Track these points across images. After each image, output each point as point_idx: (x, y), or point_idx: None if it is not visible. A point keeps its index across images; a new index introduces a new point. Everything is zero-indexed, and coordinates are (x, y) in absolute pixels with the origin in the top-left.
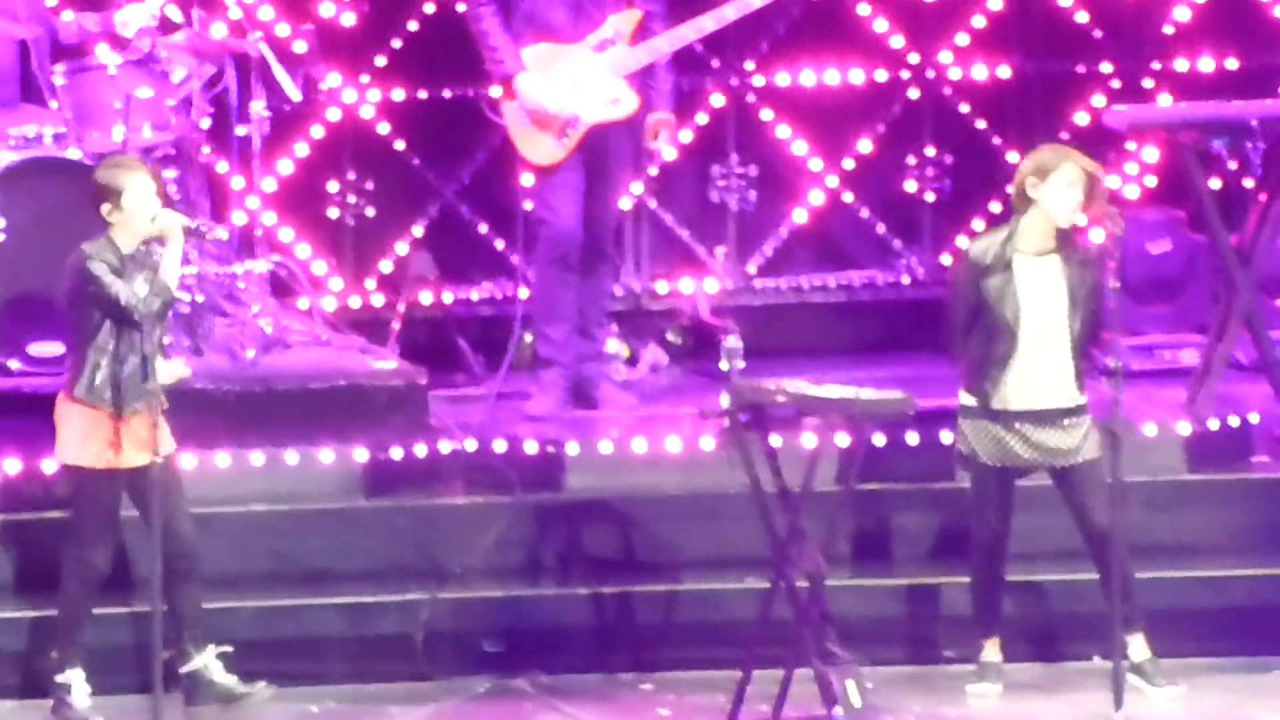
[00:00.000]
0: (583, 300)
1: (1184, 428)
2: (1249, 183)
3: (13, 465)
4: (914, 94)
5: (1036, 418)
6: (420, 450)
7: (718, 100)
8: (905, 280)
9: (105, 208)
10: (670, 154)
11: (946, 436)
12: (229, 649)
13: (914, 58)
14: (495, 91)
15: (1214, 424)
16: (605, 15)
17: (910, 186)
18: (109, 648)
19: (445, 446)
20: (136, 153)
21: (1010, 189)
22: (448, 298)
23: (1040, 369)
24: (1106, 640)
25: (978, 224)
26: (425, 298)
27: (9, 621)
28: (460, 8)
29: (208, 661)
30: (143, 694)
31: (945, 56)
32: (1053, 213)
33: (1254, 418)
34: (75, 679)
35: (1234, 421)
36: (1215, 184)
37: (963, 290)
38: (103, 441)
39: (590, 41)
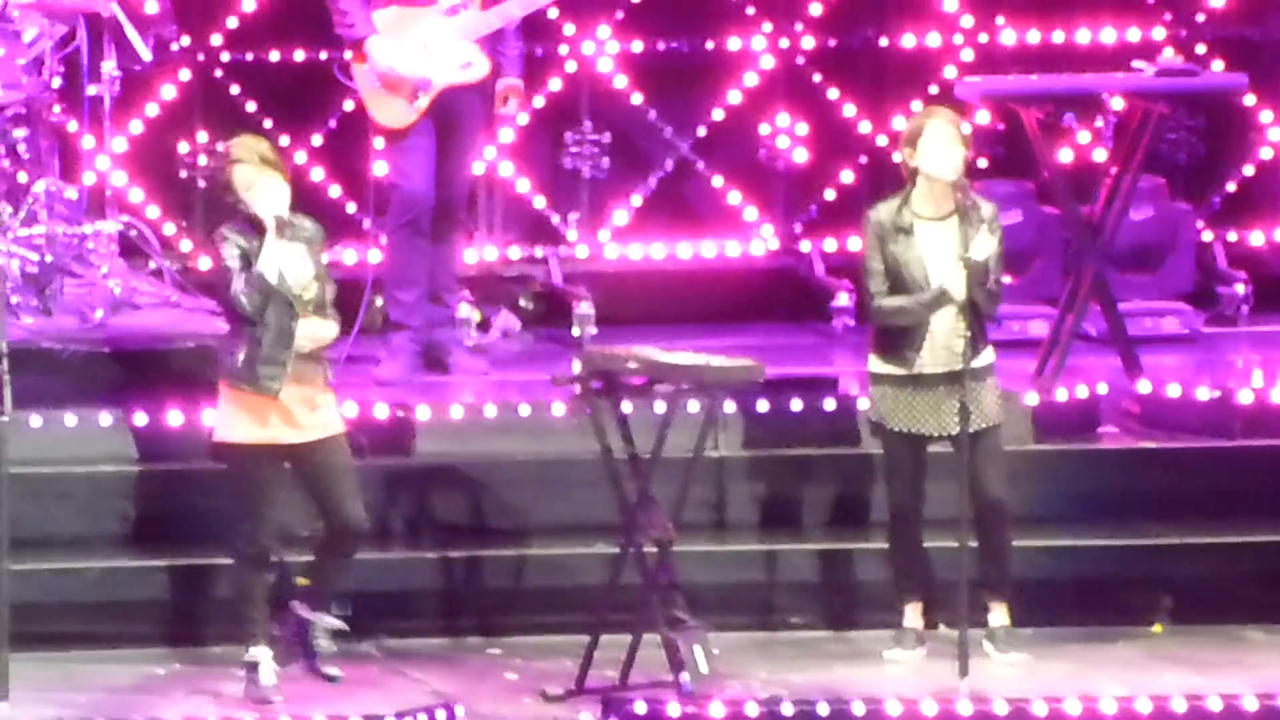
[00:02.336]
0: (434, 265)
1: (1032, 398)
2: (1100, 155)
3: None
4: (768, 63)
5: (944, 381)
6: None
7: (571, 66)
8: (757, 250)
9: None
10: (521, 120)
11: (795, 404)
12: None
13: (767, 26)
14: (346, 55)
15: (1062, 395)
16: None
17: (762, 155)
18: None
19: None
20: None
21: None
22: None
23: (944, 332)
24: (958, 609)
25: (829, 194)
26: None
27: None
28: None
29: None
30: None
31: (798, 26)
32: (934, 173)
33: (1102, 389)
34: (263, 656)
35: (1082, 393)
36: (1066, 156)
37: (873, 253)
38: (243, 418)
39: (441, 5)
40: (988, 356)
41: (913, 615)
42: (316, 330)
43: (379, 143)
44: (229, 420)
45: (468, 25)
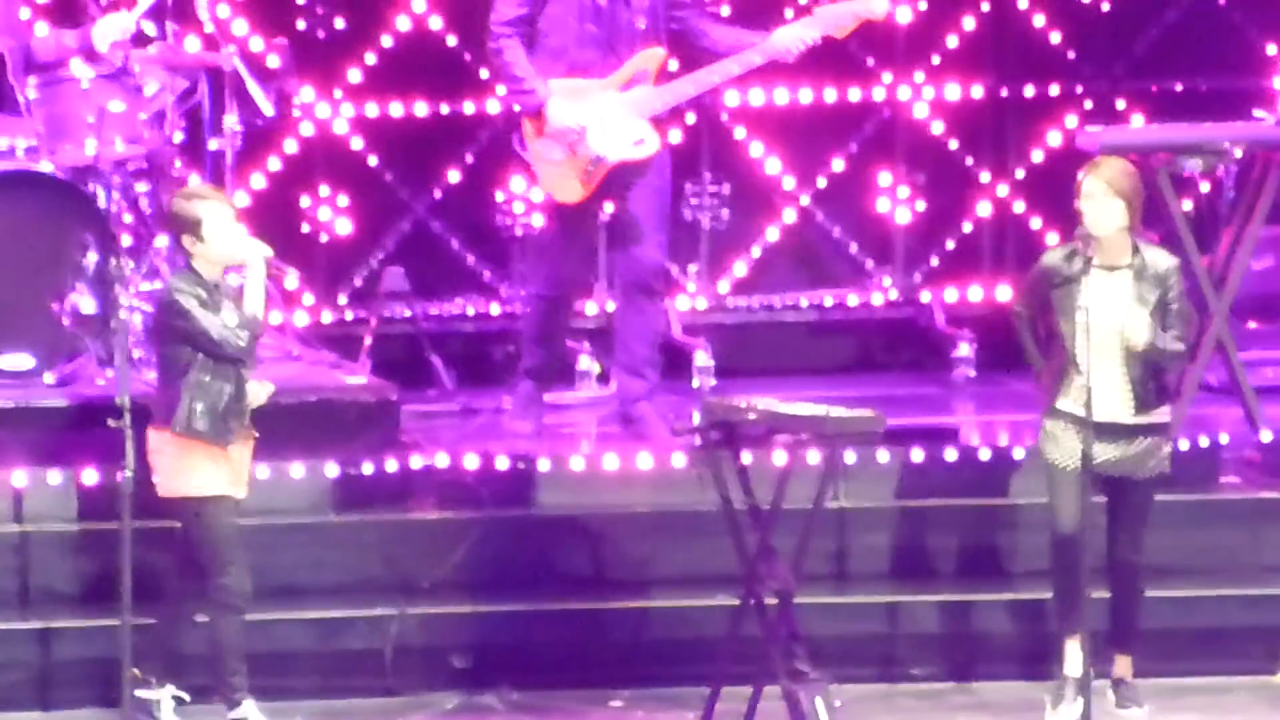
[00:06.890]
0: (630, 337)
1: None
2: (1222, 204)
3: None
4: (887, 114)
5: (1097, 429)
6: (391, 466)
7: (691, 118)
8: (877, 300)
9: (186, 239)
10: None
11: (916, 455)
12: (185, 696)
13: (887, 77)
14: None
15: (1184, 445)
16: (633, 54)
17: (883, 206)
18: (82, 661)
19: (416, 462)
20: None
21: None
22: (419, 313)
23: (1100, 383)
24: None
25: (950, 243)
26: (397, 313)
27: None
28: (434, 22)
29: (163, 697)
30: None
31: (919, 76)
32: (1089, 227)
33: (1224, 439)
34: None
35: (1204, 443)
36: (1187, 206)
37: (1030, 295)
38: (209, 470)
39: (615, 80)
40: (1157, 415)
41: (1072, 658)
42: (265, 390)
43: (538, 194)
44: (187, 472)
45: (641, 102)
